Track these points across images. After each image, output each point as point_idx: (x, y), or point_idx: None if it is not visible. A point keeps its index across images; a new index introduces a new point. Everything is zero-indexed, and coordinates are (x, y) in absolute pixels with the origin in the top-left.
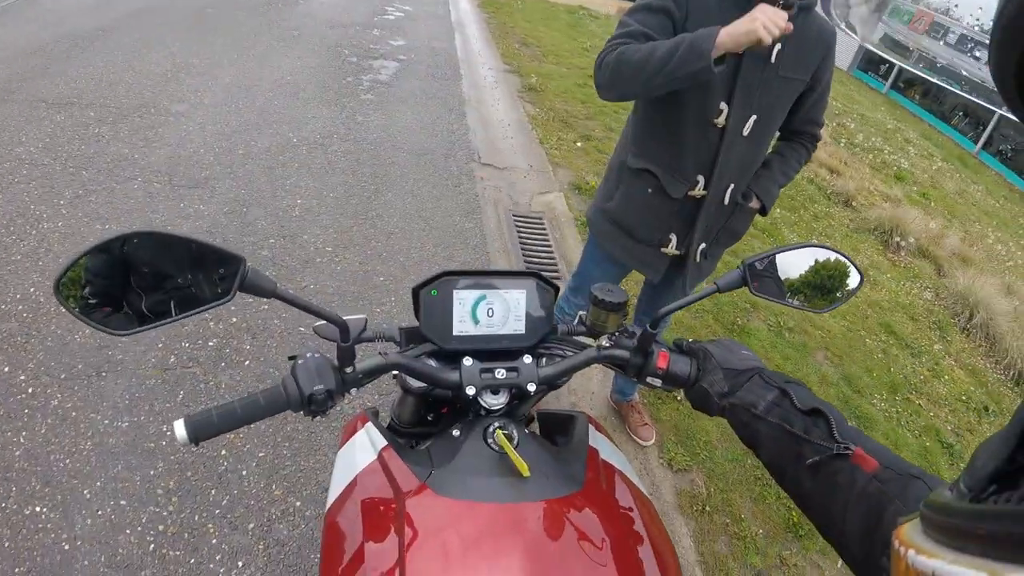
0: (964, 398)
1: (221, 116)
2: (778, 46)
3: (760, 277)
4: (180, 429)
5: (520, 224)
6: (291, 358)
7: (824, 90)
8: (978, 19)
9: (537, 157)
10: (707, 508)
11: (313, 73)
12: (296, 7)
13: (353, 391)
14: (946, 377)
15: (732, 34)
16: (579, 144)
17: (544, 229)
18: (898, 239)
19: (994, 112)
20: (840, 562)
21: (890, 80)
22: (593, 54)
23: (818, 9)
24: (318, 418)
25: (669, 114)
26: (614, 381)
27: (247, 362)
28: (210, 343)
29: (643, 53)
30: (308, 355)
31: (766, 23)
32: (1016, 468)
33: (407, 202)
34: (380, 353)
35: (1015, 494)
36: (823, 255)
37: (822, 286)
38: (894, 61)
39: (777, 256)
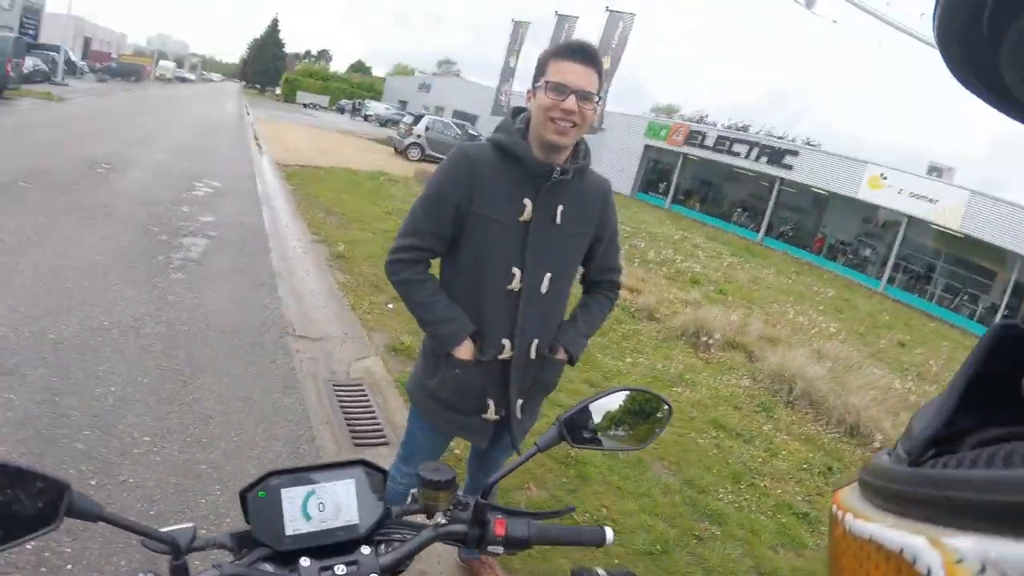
0: (805, 466)
1: (29, 298)
2: (560, 207)
3: (576, 429)
4: None
5: (341, 394)
6: None
7: (612, 237)
8: (730, 119)
9: (351, 323)
10: None
11: (123, 252)
12: (105, 184)
13: None
14: (783, 452)
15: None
16: (391, 306)
17: (366, 396)
18: (705, 338)
19: (768, 199)
20: None
21: (670, 195)
22: (396, 217)
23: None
24: None
25: (469, 286)
26: None
27: (68, 566)
28: (28, 547)
29: (416, 300)
30: (140, 575)
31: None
32: (954, 432)
33: (224, 383)
34: (214, 566)
35: (953, 458)
36: (631, 396)
37: (635, 424)
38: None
39: (590, 406)
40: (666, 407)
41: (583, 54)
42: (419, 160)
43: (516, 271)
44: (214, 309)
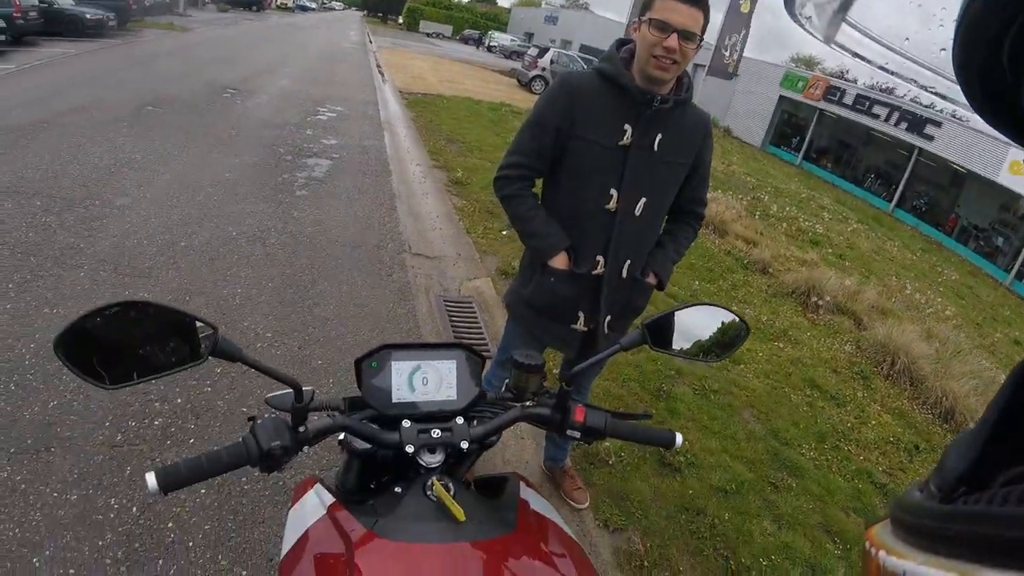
0: (893, 440)
1: (163, 210)
2: (659, 136)
3: (658, 335)
4: (151, 480)
5: (451, 308)
6: (250, 419)
7: (705, 171)
8: (873, 78)
9: (465, 246)
10: (645, 564)
11: (251, 170)
12: (233, 107)
13: (305, 449)
14: (873, 422)
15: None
16: (504, 232)
17: (474, 312)
18: (816, 299)
19: (904, 169)
20: None
21: (802, 151)
22: None
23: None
24: (266, 478)
25: (568, 205)
26: (545, 450)
27: (191, 440)
28: (155, 422)
29: (518, 213)
30: (266, 416)
31: None
32: (985, 468)
33: (342, 291)
34: (328, 415)
35: (984, 495)
36: (715, 312)
37: (714, 339)
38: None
39: (674, 314)
40: (744, 327)
41: None
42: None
43: (613, 192)
44: (336, 224)
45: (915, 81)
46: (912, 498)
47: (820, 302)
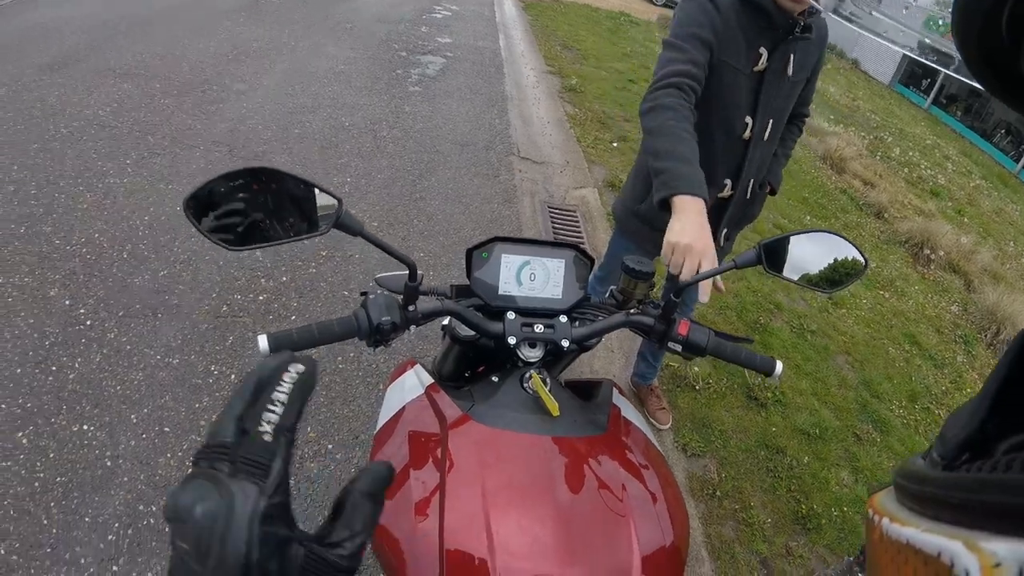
0: None
1: (278, 97)
2: (792, 57)
3: (773, 257)
4: (263, 342)
5: (554, 215)
6: (363, 294)
7: (815, 77)
8: None
9: (574, 154)
10: (717, 493)
11: (365, 64)
12: (347, 2)
13: (412, 328)
14: (968, 390)
15: (673, 225)
16: (615, 144)
17: (577, 221)
18: (928, 252)
19: None
20: (847, 557)
21: (931, 95)
22: (633, 59)
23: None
24: (365, 356)
25: (698, 131)
26: (635, 365)
27: (293, 317)
28: (260, 297)
29: (656, 144)
30: (379, 291)
31: (682, 265)
32: (987, 436)
33: (448, 188)
34: (437, 299)
35: (987, 462)
36: (833, 241)
37: (830, 269)
38: (936, 67)
39: (791, 239)
40: (864, 261)
41: None
42: (663, 5)
43: (748, 120)
44: (446, 122)
45: None
46: (915, 466)
47: (932, 256)
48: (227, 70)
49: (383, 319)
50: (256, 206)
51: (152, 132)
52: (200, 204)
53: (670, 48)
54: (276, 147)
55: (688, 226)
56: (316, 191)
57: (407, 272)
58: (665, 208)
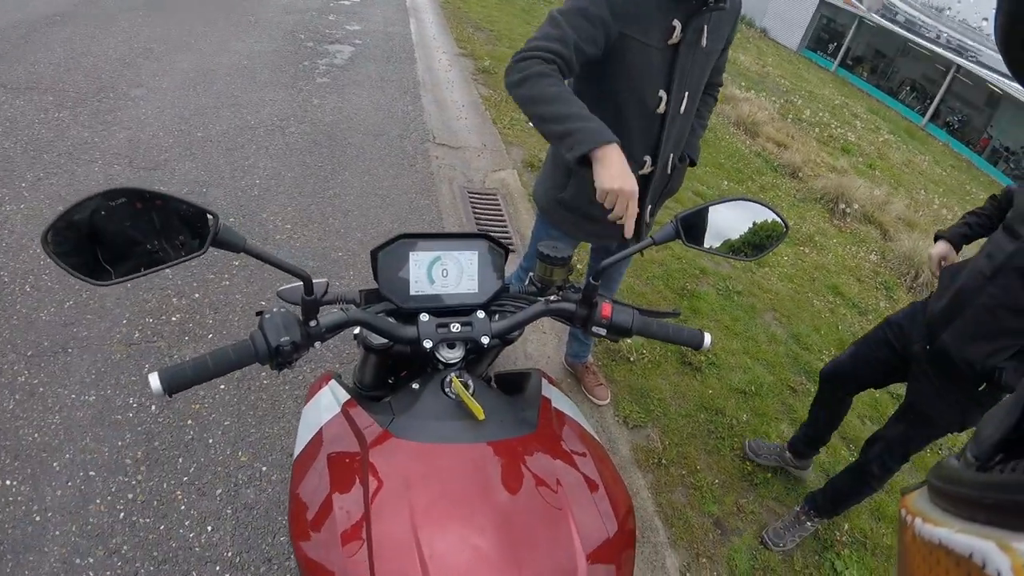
0: None
1: (179, 100)
2: (705, 28)
3: (692, 230)
4: (155, 381)
5: (475, 200)
6: (258, 313)
7: (727, 46)
8: None
9: (491, 136)
10: (663, 461)
11: (270, 57)
12: None
13: (317, 345)
14: None
15: (601, 174)
16: (531, 124)
17: (498, 204)
18: (843, 206)
19: (940, 85)
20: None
21: (838, 58)
22: None
23: None
24: (284, 372)
25: (610, 110)
26: (568, 345)
27: (210, 335)
28: (173, 318)
29: (547, 95)
30: (274, 310)
31: (620, 208)
32: (1022, 436)
33: (364, 181)
34: (342, 309)
35: (1021, 463)
36: (751, 208)
37: (750, 235)
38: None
39: (709, 209)
40: (782, 224)
41: None
42: None
43: (662, 94)
44: (357, 113)
45: None
46: (949, 466)
47: (848, 210)
48: (124, 75)
49: (282, 340)
50: (124, 232)
51: (47, 150)
52: (63, 237)
53: (550, 23)
54: (178, 153)
55: (615, 171)
56: (183, 207)
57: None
58: (584, 163)
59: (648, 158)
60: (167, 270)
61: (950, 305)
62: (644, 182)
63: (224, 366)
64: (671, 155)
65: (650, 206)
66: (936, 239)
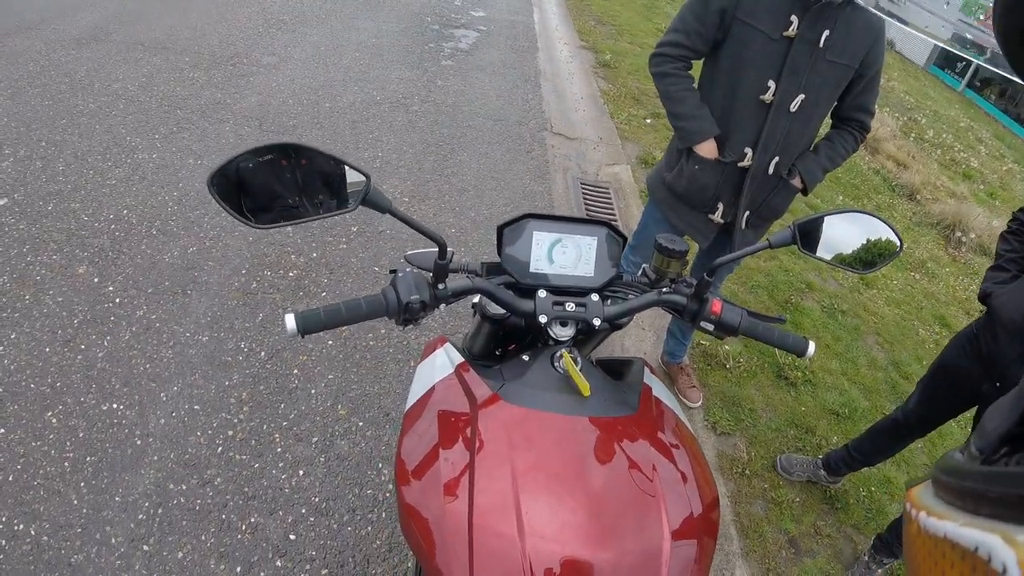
0: None
1: (309, 71)
2: (826, 32)
3: (807, 237)
4: (291, 321)
5: (587, 191)
6: (392, 271)
7: (874, 78)
8: None
9: (607, 130)
10: (747, 472)
11: (396, 37)
12: None
13: (442, 306)
14: None
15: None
16: (648, 120)
17: (609, 197)
18: (960, 235)
19: None
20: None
21: (966, 78)
22: None
23: (863, 3)
24: (403, 330)
25: (724, 91)
26: (665, 343)
27: (323, 293)
28: (290, 274)
29: (670, 93)
30: (408, 269)
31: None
32: None
33: (481, 163)
34: (467, 276)
35: None
36: (867, 221)
37: (864, 249)
38: (967, 58)
39: (825, 219)
40: (898, 242)
41: None
42: None
43: (771, 83)
44: (479, 97)
45: None
46: (953, 460)
47: (963, 239)
48: (257, 43)
49: (412, 297)
50: (283, 183)
51: (181, 106)
52: (226, 180)
53: (679, 14)
54: (306, 121)
55: (703, 153)
56: (345, 167)
57: (436, 249)
58: (689, 152)
59: (749, 150)
60: (314, 223)
61: None
62: (740, 175)
63: (356, 315)
64: (775, 157)
65: (747, 213)
66: None
